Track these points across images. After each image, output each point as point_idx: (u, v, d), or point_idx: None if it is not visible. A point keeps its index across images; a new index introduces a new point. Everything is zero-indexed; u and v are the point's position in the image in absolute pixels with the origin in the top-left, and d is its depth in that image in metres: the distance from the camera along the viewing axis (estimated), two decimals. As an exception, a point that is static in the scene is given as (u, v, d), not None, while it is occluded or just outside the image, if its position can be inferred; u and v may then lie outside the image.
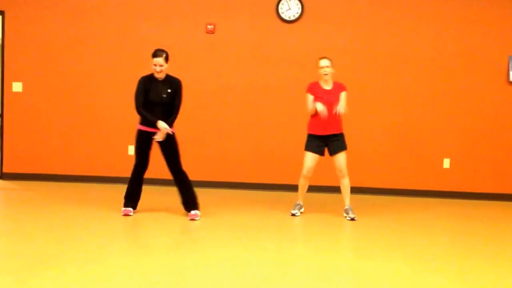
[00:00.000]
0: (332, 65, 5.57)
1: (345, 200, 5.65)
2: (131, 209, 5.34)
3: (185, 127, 7.18)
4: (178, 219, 5.25)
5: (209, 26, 7.08)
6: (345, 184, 5.61)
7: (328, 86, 5.55)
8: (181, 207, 5.71)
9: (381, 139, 7.14)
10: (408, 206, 6.47)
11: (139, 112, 5.12)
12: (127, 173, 7.19)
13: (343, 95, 5.55)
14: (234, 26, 7.10)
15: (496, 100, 7.09)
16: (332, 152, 5.56)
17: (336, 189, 7.09)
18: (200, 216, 5.36)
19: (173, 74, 7.06)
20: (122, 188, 6.84)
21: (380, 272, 3.75)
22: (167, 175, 6.99)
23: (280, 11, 7.02)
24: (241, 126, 7.18)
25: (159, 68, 5.07)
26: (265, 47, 7.11)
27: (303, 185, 5.71)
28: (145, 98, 5.13)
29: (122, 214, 5.29)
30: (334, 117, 5.48)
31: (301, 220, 5.44)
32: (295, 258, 4.03)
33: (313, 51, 7.09)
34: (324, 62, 5.49)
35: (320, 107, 5.33)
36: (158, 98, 5.12)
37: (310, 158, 5.57)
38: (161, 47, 7.08)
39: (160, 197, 6.38)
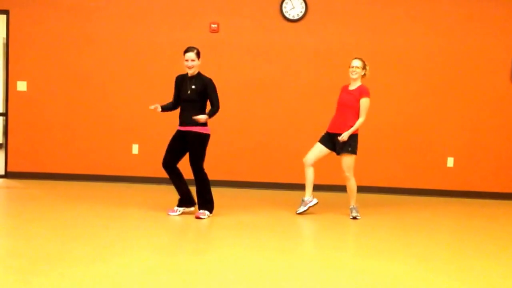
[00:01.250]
0: (365, 68, 5.49)
1: (350, 200, 5.64)
2: (177, 208, 5.42)
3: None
4: (185, 218, 5.26)
5: (213, 25, 7.09)
6: (349, 186, 5.58)
7: (353, 87, 5.52)
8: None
9: (384, 137, 7.14)
10: (411, 205, 6.47)
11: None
12: (131, 172, 7.21)
13: (362, 103, 5.41)
14: (238, 25, 7.11)
15: (500, 99, 7.08)
16: (337, 153, 5.54)
17: (343, 188, 7.11)
18: (208, 216, 5.34)
19: (178, 72, 7.07)
20: (126, 187, 6.86)
21: (383, 271, 3.74)
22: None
23: (284, 10, 7.03)
24: (245, 125, 7.18)
25: (191, 63, 5.12)
26: (269, 46, 7.11)
27: (305, 174, 5.63)
28: (177, 95, 5.30)
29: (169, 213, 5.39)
30: (343, 118, 5.46)
31: (306, 219, 5.44)
32: (299, 257, 4.03)
33: (317, 50, 7.09)
34: (354, 62, 5.47)
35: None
36: (185, 95, 5.17)
37: (315, 146, 5.59)
38: (165, 46, 7.09)
39: (168, 196, 6.40)
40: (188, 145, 5.20)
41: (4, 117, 7.32)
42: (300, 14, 7.02)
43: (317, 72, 7.10)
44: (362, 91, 5.43)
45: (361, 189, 7.15)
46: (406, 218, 5.65)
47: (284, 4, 7.01)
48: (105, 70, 7.18)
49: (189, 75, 5.22)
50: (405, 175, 7.18)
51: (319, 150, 5.57)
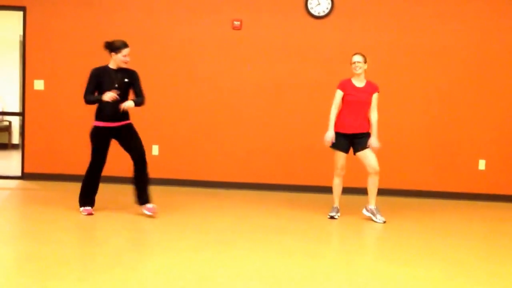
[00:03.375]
0: (366, 62, 5.38)
1: (371, 199, 5.44)
2: (90, 207, 5.25)
3: (210, 124, 6.99)
4: (205, 220, 5.10)
5: (235, 22, 6.89)
6: (375, 183, 5.39)
7: (360, 84, 5.39)
8: (207, 208, 5.55)
9: (414, 139, 6.91)
10: (441, 209, 6.28)
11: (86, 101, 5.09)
12: (152, 173, 7.05)
13: (375, 98, 5.42)
14: (261, 22, 6.91)
15: (534, 99, 6.83)
16: (358, 149, 5.37)
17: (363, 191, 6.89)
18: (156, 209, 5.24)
19: (199, 70, 6.91)
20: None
21: (410, 277, 3.65)
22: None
23: (309, 6, 6.81)
24: (268, 124, 6.98)
25: (128, 58, 5.09)
26: (293, 44, 6.90)
27: (337, 185, 5.54)
28: (97, 89, 5.11)
29: (86, 214, 5.17)
30: (361, 117, 5.35)
31: (327, 223, 5.25)
32: (322, 261, 3.89)
33: (343, 48, 6.87)
34: (356, 58, 5.34)
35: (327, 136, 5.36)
36: (112, 88, 5.05)
37: (340, 155, 5.43)
38: (186, 44, 6.92)
39: (189, 197, 6.22)
40: (128, 137, 5.10)
41: (21, 117, 7.20)
42: (326, 11, 6.80)
43: (344, 70, 6.87)
44: (374, 87, 5.41)
45: (389, 192, 6.94)
46: (436, 222, 5.49)
47: (309, 0, 6.79)
48: (124, 68, 7.01)
49: (114, 68, 5.10)
50: (435, 178, 6.94)
51: (344, 157, 5.45)
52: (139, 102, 5.09)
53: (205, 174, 7.05)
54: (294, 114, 6.97)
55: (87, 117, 7.05)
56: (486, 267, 3.98)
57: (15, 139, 10.89)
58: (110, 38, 6.98)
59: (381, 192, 6.93)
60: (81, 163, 7.07)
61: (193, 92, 6.97)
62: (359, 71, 5.33)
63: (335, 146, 5.40)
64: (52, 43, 7.01)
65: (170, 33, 6.96)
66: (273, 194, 6.78)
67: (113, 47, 5.01)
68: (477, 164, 6.92)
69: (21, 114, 7.13)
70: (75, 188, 6.60)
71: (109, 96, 4.86)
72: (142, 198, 5.18)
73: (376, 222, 5.36)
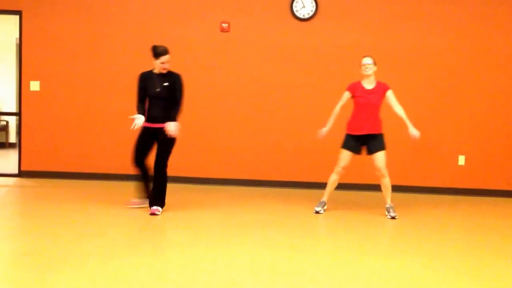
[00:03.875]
0: (376, 64, 5.55)
1: (386, 199, 5.65)
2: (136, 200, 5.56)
3: (198, 125, 7.23)
4: (197, 215, 5.30)
5: (223, 25, 7.13)
6: (384, 184, 5.60)
7: (370, 86, 5.54)
8: (201, 204, 5.78)
9: (396, 136, 7.14)
10: (422, 203, 6.48)
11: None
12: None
13: (391, 95, 5.53)
14: (248, 24, 7.14)
15: (511, 97, 7.08)
16: (370, 152, 5.56)
17: (366, 187, 7.14)
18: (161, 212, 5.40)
19: (188, 72, 7.13)
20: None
21: (393, 269, 3.76)
22: (184, 172, 7.09)
23: (294, 9, 7.05)
24: (255, 124, 7.22)
25: (168, 65, 5.23)
26: (279, 45, 7.14)
27: (333, 181, 5.69)
28: (143, 93, 5.31)
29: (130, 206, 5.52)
30: (372, 118, 5.49)
31: (321, 218, 5.47)
32: (309, 255, 4.06)
33: (327, 49, 7.11)
34: (366, 60, 5.51)
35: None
36: (154, 92, 5.23)
37: (347, 156, 5.59)
38: (176, 45, 7.14)
39: (181, 194, 6.45)
40: (159, 142, 5.28)
41: (18, 117, 7.40)
42: (311, 13, 7.05)
43: (328, 71, 7.12)
44: (384, 87, 5.53)
45: (372, 187, 7.18)
46: (417, 217, 5.67)
47: (294, 3, 7.04)
48: (117, 69, 7.24)
49: (158, 72, 5.30)
50: (416, 173, 7.19)
51: (349, 157, 5.59)
52: (175, 114, 5.23)
53: (197, 171, 7.29)
54: (281, 113, 7.20)
55: (81, 116, 7.27)
56: (466, 259, 4.08)
57: (12, 138, 11.08)
58: (102, 41, 7.21)
59: (365, 187, 7.17)
60: (76, 161, 7.29)
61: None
62: (369, 72, 5.48)
63: (345, 145, 5.57)
64: (47, 45, 7.23)
65: (160, 35, 7.18)
66: (263, 189, 7.00)
67: (154, 53, 5.22)
68: (457, 159, 7.17)
69: (18, 114, 7.34)
70: (71, 184, 6.80)
71: (136, 124, 5.13)
72: (151, 199, 5.40)
73: (388, 218, 5.53)
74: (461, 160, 7.15)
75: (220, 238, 4.46)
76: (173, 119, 5.21)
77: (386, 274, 3.64)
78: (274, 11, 7.11)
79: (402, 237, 4.73)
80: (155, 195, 5.32)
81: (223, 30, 7.15)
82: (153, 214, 5.25)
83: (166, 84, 5.22)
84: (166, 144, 5.26)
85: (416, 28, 7.07)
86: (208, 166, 7.28)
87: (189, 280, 3.36)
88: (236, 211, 5.62)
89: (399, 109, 5.56)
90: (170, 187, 6.86)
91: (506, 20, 7.01)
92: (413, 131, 5.50)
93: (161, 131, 5.25)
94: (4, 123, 10.91)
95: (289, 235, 4.64)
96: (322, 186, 7.19)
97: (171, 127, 5.14)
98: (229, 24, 7.14)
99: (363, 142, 5.57)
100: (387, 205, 5.64)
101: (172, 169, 7.18)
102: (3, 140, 10.96)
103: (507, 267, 3.93)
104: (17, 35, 10.57)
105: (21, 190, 6.34)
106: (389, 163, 7.13)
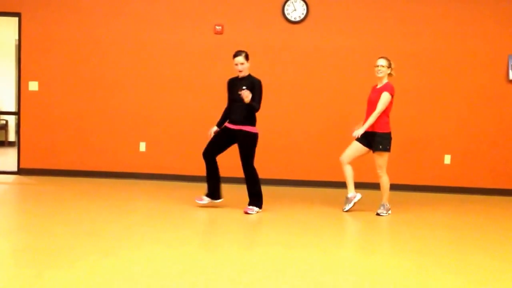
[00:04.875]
0: (390, 67, 5.59)
1: (382, 197, 5.73)
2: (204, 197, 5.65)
3: (194, 123, 7.40)
4: (185, 214, 5.37)
5: (217, 27, 7.28)
6: (381, 183, 5.68)
7: (379, 85, 5.66)
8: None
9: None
10: (409, 201, 6.59)
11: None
12: (139, 168, 7.41)
13: (381, 97, 5.50)
14: (241, 27, 7.30)
15: (496, 98, 7.24)
16: (373, 149, 5.63)
17: (365, 185, 7.30)
18: (257, 211, 5.52)
19: (183, 72, 7.26)
20: (134, 183, 7.03)
21: (380, 266, 3.80)
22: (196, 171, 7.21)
23: (286, 12, 7.22)
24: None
25: (241, 66, 5.37)
26: (272, 48, 7.29)
27: (345, 172, 5.71)
28: (229, 96, 5.51)
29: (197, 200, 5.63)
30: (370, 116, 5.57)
31: (312, 216, 5.54)
32: (300, 253, 4.13)
33: (318, 50, 7.27)
34: (379, 62, 5.59)
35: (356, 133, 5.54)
36: (236, 95, 5.42)
37: (352, 145, 5.69)
38: (170, 47, 7.29)
39: (174, 191, 6.58)
40: (239, 144, 5.43)
41: (17, 116, 7.49)
42: (302, 16, 7.21)
43: (318, 72, 7.28)
44: (385, 87, 5.55)
45: (359, 185, 7.33)
46: (404, 214, 5.73)
47: (286, 7, 7.21)
48: (113, 70, 7.38)
49: (239, 76, 5.48)
50: (403, 172, 7.35)
51: (355, 148, 5.66)
52: (253, 106, 5.31)
53: (191, 169, 7.44)
54: (273, 113, 7.36)
55: (78, 116, 7.42)
56: (452, 256, 4.12)
57: (11, 137, 11.16)
58: (99, 43, 7.36)
59: (356, 185, 7.32)
60: (73, 159, 7.43)
61: (178, 92, 7.35)
62: (380, 74, 5.57)
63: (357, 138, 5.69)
64: (46, 47, 7.35)
65: (155, 37, 7.32)
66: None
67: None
68: (443, 158, 7.33)
69: (17, 113, 7.45)
70: (68, 182, 6.90)
71: (211, 132, 5.55)
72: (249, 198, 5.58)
73: (375, 214, 5.65)
74: (447, 159, 7.31)
75: (213, 235, 4.49)
76: (251, 103, 5.31)
77: (373, 271, 3.67)
78: (266, 14, 7.27)
79: (389, 235, 4.76)
80: (250, 196, 5.50)
81: (216, 32, 7.29)
82: (246, 212, 5.43)
83: (244, 88, 5.35)
84: (246, 146, 5.38)
85: (404, 31, 7.23)
86: (200, 164, 7.40)
87: (189, 280, 3.37)
88: (230, 208, 5.68)
89: (376, 111, 5.50)
90: (163, 185, 6.98)
91: (489, 22, 7.17)
92: (358, 131, 5.52)
93: (239, 132, 5.42)
94: (4, 122, 10.99)
95: (284, 233, 4.70)
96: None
97: (247, 93, 5.20)
98: (222, 26, 7.29)
99: (369, 139, 5.64)
100: (382, 202, 5.73)
101: (164, 167, 7.34)
102: (3, 139, 11.06)
103: (492, 263, 3.96)
104: (16, 37, 10.72)
105: (20, 188, 6.40)
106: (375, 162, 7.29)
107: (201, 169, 7.42)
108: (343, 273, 3.59)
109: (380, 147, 5.51)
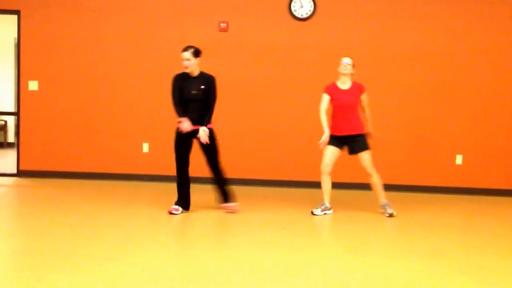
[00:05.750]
0: (354, 66, 5.60)
1: (379, 197, 5.67)
2: (178, 207, 5.39)
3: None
4: (198, 215, 5.33)
5: (222, 24, 7.15)
6: (374, 182, 5.63)
7: (345, 86, 5.58)
8: (205, 204, 5.81)
9: (394, 135, 7.18)
10: (420, 202, 6.51)
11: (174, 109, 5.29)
12: (142, 170, 7.29)
13: (364, 97, 5.61)
14: (247, 24, 7.16)
15: (509, 96, 7.11)
16: (352, 152, 5.59)
17: (356, 186, 7.17)
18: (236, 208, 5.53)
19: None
20: (137, 185, 6.94)
21: (390, 269, 3.79)
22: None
23: (292, 9, 7.07)
24: (252, 123, 7.24)
25: (186, 63, 5.18)
26: (278, 45, 7.16)
27: (324, 181, 5.65)
28: (180, 95, 5.26)
29: (168, 211, 5.39)
30: (350, 118, 5.51)
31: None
32: (306, 255, 4.08)
33: (325, 49, 7.14)
34: (346, 60, 5.56)
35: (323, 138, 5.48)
36: (190, 95, 5.21)
37: (329, 151, 5.59)
38: (174, 45, 7.16)
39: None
40: (202, 145, 5.31)
41: (16, 116, 7.42)
42: (309, 13, 7.07)
43: (325, 70, 7.14)
44: (361, 88, 5.59)
45: (369, 186, 7.20)
46: (415, 216, 5.69)
47: (292, 3, 7.06)
48: (115, 69, 7.26)
49: (192, 74, 5.27)
50: (414, 172, 7.22)
51: (332, 154, 5.60)
52: (208, 119, 5.24)
53: (193, 171, 7.30)
54: (277, 113, 7.23)
55: (79, 116, 7.29)
56: (464, 258, 4.10)
57: (11, 138, 11.11)
58: (100, 41, 7.23)
59: (362, 186, 7.19)
60: (74, 160, 7.32)
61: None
62: (348, 71, 5.53)
63: (328, 143, 5.59)
64: (45, 45, 7.24)
65: (159, 35, 7.20)
66: (257, 189, 7.04)
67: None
68: (454, 159, 7.20)
69: (16, 113, 7.36)
70: (69, 184, 6.82)
71: (184, 126, 5.16)
72: (222, 197, 5.50)
73: (386, 216, 5.57)
74: (459, 159, 7.18)
75: (215, 237, 4.47)
76: (205, 123, 5.23)
77: (382, 272, 3.66)
78: (272, 11, 7.13)
79: (399, 236, 4.75)
80: (223, 195, 5.47)
81: (221, 29, 7.17)
82: (228, 211, 5.43)
83: (203, 87, 5.22)
84: (211, 145, 5.32)
85: (414, 27, 7.09)
86: (202, 165, 7.29)
87: (187, 280, 3.37)
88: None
89: (367, 112, 5.68)
90: (165, 186, 6.88)
91: (504, 18, 7.03)
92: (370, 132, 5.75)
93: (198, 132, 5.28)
94: (3, 122, 10.93)
95: (286, 235, 4.66)
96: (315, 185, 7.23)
97: (202, 135, 5.17)
98: (227, 23, 7.16)
99: (345, 142, 5.61)
100: (382, 203, 5.65)
101: (167, 168, 7.21)
102: (2, 140, 10.98)
103: (504, 266, 3.94)
104: (16, 35, 10.65)
105: (20, 190, 6.37)
106: (387, 162, 7.18)
107: (204, 171, 7.27)
108: (349, 275, 3.50)
109: (366, 146, 5.54)
